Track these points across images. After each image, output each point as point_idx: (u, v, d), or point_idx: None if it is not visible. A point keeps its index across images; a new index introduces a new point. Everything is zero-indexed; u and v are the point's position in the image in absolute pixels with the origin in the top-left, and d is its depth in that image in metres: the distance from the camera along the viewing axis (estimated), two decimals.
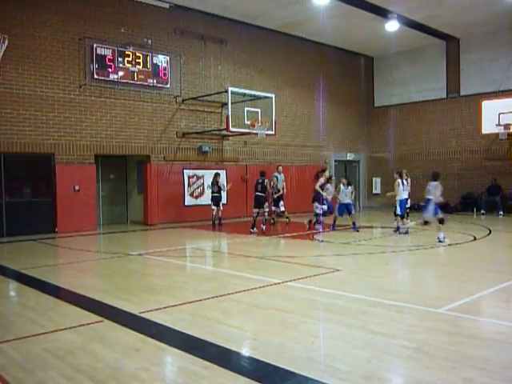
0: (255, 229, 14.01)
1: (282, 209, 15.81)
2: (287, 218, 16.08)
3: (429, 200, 11.59)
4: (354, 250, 11.11)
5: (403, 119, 23.12)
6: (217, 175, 16.25)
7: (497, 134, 18.58)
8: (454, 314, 5.75)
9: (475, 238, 12.45)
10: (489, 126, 18.70)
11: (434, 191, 11.44)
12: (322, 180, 13.31)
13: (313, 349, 4.65)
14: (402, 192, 13.25)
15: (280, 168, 16.80)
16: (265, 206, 14.15)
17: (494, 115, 18.39)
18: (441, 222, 11.52)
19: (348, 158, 23.46)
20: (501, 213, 18.59)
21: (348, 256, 10.25)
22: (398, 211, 13.19)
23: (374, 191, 23.19)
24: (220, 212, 16.19)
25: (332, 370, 4.11)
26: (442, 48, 21.88)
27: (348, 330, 5.19)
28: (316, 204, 13.13)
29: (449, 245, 11.31)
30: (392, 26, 18.45)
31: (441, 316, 5.68)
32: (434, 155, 21.84)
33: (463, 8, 17.58)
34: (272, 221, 16.18)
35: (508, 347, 4.73)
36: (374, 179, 23.57)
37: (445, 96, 21.91)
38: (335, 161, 22.93)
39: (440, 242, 11.26)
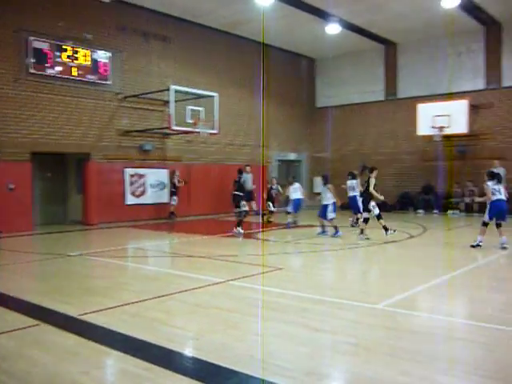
0: (240, 229, 13.54)
1: (244, 208, 16.05)
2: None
3: (500, 201, 10.55)
4: (296, 248, 11.26)
5: (344, 120, 23.65)
6: (172, 172, 17.26)
7: (432, 136, 19.33)
8: (391, 310, 5.95)
9: (411, 236, 12.92)
10: (424, 128, 19.44)
11: (504, 191, 10.73)
12: (373, 180, 12.16)
13: (255, 347, 4.68)
14: (294, 193, 15.21)
15: (248, 168, 16.91)
16: (241, 204, 13.93)
17: (429, 118, 19.15)
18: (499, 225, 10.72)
19: (290, 158, 23.74)
20: (436, 211, 19.40)
21: (290, 254, 10.38)
22: (291, 209, 15.33)
23: (315, 190, 23.54)
24: (171, 207, 16.92)
25: (274, 368, 4.15)
26: (381, 52, 22.58)
27: (290, 328, 5.26)
28: (373, 204, 12.19)
29: (393, 241, 11.69)
30: (333, 28, 18.83)
31: (379, 312, 5.86)
32: (373, 155, 22.41)
33: (400, 14, 18.20)
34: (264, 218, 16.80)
35: (441, 340, 4.95)
36: (315, 179, 23.94)
37: (383, 98, 22.62)
38: (278, 160, 23.15)
39: (505, 248, 10.47)
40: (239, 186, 14.02)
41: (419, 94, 20.87)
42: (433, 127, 19.04)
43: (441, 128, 18.87)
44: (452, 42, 19.90)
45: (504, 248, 10.42)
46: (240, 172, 14.32)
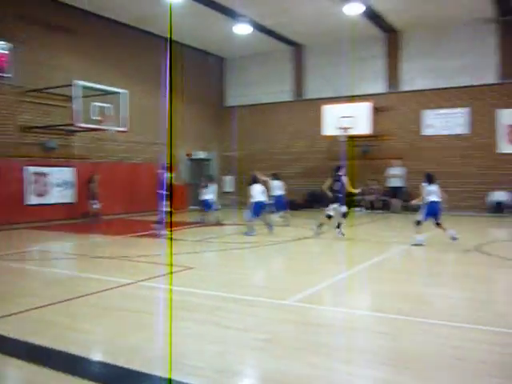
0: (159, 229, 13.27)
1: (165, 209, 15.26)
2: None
3: (436, 203, 10.95)
4: (206, 247, 11.29)
5: (253, 119, 23.98)
6: (90, 178, 16.53)
7: (337, 137, 20.14)
8: (300, 305, 6.14)
9: (317, 233, 13.37)
10: (330, 129, 20.21)
11: (442, 193, 11.03)
12: (346, 177, 12.54)
13: (167, 348, 4.64)
14: (205, 194, 15.94)
15: (167, 165, 16.36)
16: (163, 204, 13.40)
17: (335, 119, 19.93)
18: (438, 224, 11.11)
19: (200, 157, 23.68)
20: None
21: (200, 253, 10.39)
22: (204, 207, 16.04)
23: (225, 189, 23.68)
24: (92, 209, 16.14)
25: (186, 368, 4.15)
26: (289, 53, 23.17)
27: (202, 327, 5.28)
28: (334, 206, 12.35)
29: (301, 238, 12.03)
30: (242, 29, 19.04)
31: (289, 307, 6.04)
32: (283, 154, 22.98)
33: (307, 18, 18.79)
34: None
35: (346, 331, 5.19)
36: (225, 177, 24.09)
37: (291, 99, 23.23)
38: (188, 159, 23.00)
39: (455, 239, 10.77)
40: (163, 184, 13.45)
41: (325, 96, 21.67)
42: (338, 128, 19.84)
43: (345, 129, 19.70)
44: (356, 47, 20.80)
45: (454, 239, 10.71)
46: (165, 170, 13.74)
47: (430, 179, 11.15)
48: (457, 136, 19.76)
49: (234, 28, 19.04)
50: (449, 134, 19.92)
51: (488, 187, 18.75)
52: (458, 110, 19.77)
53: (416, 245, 10.84)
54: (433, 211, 10.88)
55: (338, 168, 12.72)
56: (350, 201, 20.32)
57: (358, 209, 20.05)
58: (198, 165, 23.58)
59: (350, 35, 19.84)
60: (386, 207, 19.73)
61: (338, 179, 12.49)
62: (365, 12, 17.57)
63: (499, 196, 18.58)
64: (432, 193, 10.93)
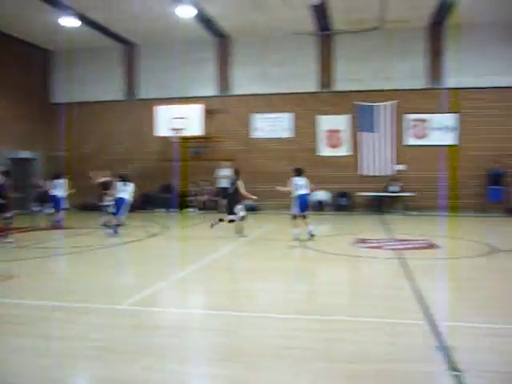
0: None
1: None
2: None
3: (305, 195, 11.58)
4: (32, 253, 10.49)
5: (84, 118, 22.87)
6: None
7: (170, 138, 20.19)
8: (135, 308, 6.06)
9: (152, 235, 13.29)
10: (162, 130, 20.19)
11: (310, 185, 11.59)
12: (241, 181, 12.27)
13: None
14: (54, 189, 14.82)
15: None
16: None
17: (167, 120, 19.96)
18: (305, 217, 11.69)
19: (22, 156, 21.83)
20: (173, 210, 20.27)
21: (25, 260, 9.62)
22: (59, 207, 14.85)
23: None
24: None
25: None
26: (121, 51, 22.55)
27: (27, 341, 4.91)
28: (240, 206, 12.15)
29: (134, 240, 11.79)
30: (71, 21, 17.88)
31: (123, 311, 5.91)
32: (117, 155, 22.19)
33: (138, 16, 18.46)
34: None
35: (180, 332, 5.25)
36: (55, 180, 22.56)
37: (123, 98, 22.65)
38: (7, 159, 21.05)
39: (313, 235, 11.55)
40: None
41: (158, 96, 21.56)
42: (170, 129, 19.90)
43: (178, 130, 19.83)
44: (188, 49, 21.07)
45: (312, 236, 11.52)
46: (4, 173, 11.85)
47: (299, 173, 11.82)
48: (283, 139, 21.12)
49: (60, 20, 17.86)
50: (275, 137, 21.21)
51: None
52: (284, 114, 21.16)
53: (297, 239, 11.41)
54: (303, 203, 11.58)
55: (235, 172, 12.84)
56: (184, 201, 20.64)
57: (191, 209, 20.31)
58: (21, 166, 21.69)
59: (183, 37, 20.04)
60: (217, 208, 20.29)
61: (232, 182, 12.62)
62: (197, 15, 17.85)
63: (320, 196, 20.26)
64: (301, 186, 11.62)
